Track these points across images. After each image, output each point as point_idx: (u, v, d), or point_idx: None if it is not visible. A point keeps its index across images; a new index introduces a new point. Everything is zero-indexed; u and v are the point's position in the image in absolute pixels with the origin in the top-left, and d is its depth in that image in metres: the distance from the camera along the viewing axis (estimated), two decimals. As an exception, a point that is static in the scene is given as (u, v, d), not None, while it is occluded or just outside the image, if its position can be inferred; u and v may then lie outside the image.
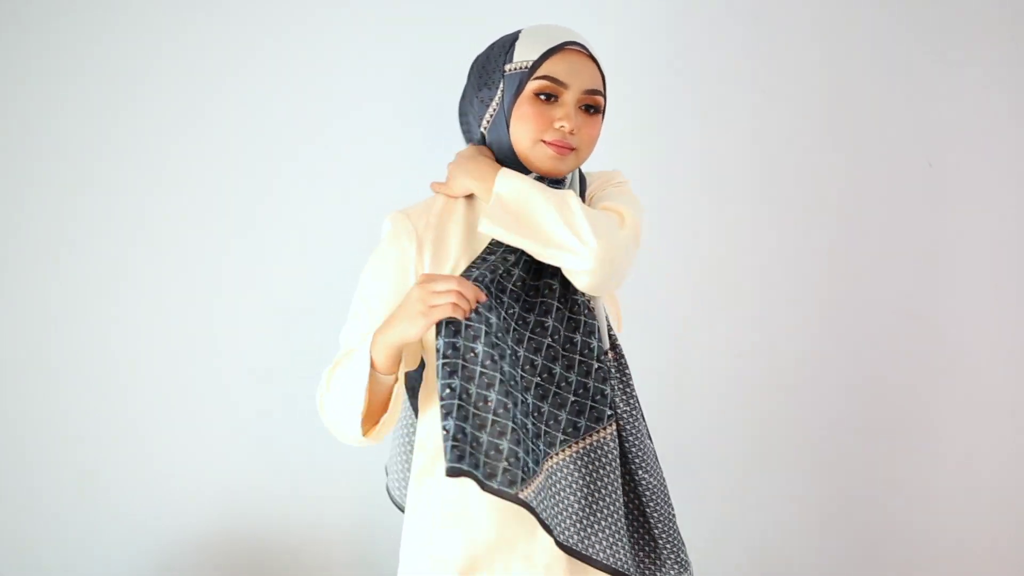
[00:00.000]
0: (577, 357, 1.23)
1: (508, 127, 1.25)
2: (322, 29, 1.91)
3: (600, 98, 1.25)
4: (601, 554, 1.21)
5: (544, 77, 1.21)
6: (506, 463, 1.13)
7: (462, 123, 1.36)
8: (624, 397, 1.28)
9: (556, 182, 1.26)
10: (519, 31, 1.27)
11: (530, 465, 1.15)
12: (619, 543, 1.22)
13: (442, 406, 1.13)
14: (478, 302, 1.13)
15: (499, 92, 1.25)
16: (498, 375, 1.14)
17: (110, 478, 1.91)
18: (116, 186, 1.89)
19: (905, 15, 2.01)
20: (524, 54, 1.23)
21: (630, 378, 1.30)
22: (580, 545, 1.20)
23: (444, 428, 1.12)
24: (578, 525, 1.21)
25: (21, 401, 1.88)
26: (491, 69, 1.27)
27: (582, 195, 1.32)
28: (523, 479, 1.14)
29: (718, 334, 2.04)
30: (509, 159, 1.27)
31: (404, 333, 1.14)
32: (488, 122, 1.28)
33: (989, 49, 2.02)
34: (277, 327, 1.94)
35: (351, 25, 1.91)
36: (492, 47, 1.30)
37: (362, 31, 1.92)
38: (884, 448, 2.07)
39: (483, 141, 1.31)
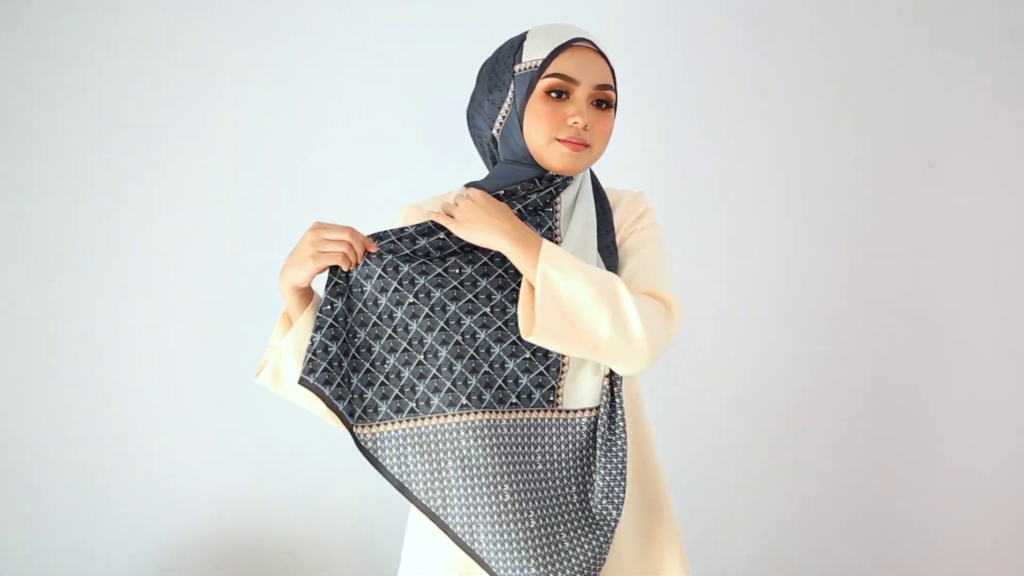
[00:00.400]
0: (510, 333, 1.21)
1: (521, 127, 1.25)
2: (321, 30, 1.91)
3: (611, 92, 1.25)
4: (458, 527, 1.20)
5: (554, 75, 1.22)
6: (354, 396, 1.21)
7: (471, 127, 1.36)
8: (609, 435, 1.22)
9: (568, 179, 1.27)
10: (526, 32, 1.28)
11: (380, 408, 1.21)
12: (479, 525, 1.19)
13: (318, 318, 1.20)
14: (369, 252, 1.21)
15: (510, 93, 1.25)
16: (374, 317, 1.21)
17: (110, 478, 1.91)
18: (117, 187, 1.89)
19: (905, 15, 2.01)
20: (533, 53, 1.24)
21: (618, 419, 1.22)
22: (438, 512, 1.21)
23: (311, 339, 1.20)
24: (443, 493, 1.21)
25: (21, 401, 1.88)
26: (500, 71, 1.27)
27: (604, 209, 1.31)
28: (361, 417, 1.21)
29: (715, 334, 2.04)
30: (523, 159, 1.27)
31: (294, 277, 1.21)
32: (500, 124, 1.28)
33: (989, 49, 2.02)
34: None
35: (351, 25, 1.91)
36: (500, 50, 1.30)
37: (362, 31, 1.92)
38: (884, 448, 2.07)
39: (494, 143, 1.31)
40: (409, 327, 1.21)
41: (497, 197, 1.25)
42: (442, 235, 1.22)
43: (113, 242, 1.89)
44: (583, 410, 1.23)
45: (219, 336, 1.92)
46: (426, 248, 1.21)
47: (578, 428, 1.22)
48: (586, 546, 1.19)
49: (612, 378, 1.22)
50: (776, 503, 2.06)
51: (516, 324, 1.21)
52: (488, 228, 1.18)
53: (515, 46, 1.27)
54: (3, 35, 1.84)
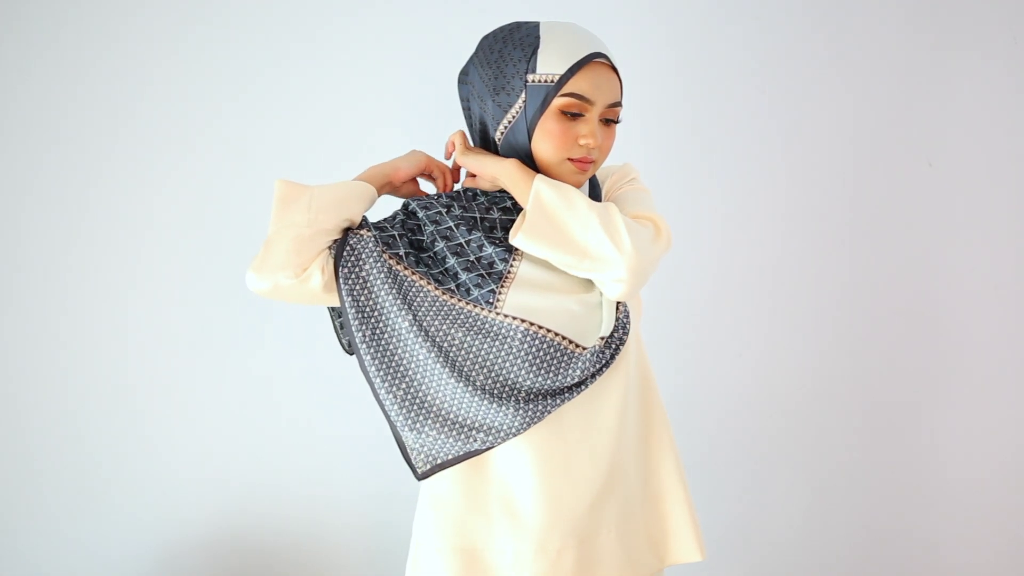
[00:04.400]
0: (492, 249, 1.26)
1: (530, 138, 1.24)
2: (320, 30, 1.91)
3: (619, 109, 1.25)
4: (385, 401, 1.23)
5: (571, 94, 1.20)
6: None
7: (461, 98, 1.34)
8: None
9: None
10: (539, 31, 1.24)
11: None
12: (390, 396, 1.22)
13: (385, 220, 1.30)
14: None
15: (520, 101, 1.23)
16: (430, 253, 1.29)
17: (111, 478, 1.91)
18: (119, 187, 1.89)
19: (905, 15, 2.01)
20: (549, 66, 1.21)
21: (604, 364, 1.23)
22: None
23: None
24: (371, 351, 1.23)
25: (21, 401, 1.89)
26: (510, 74, 1.24)
27: (595, 192, 1.32)
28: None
29: (715, 333, 2.04)
30: (525, 164, 1.26)
31: (401, 164, 1.31)
32: (506, 128, 1.26)
33: (989, 49, 2.02)
34: (280, 328, 1.94)
35: (348, 24, 1.92)
36: (507, 41, 1.26)
37: (360, 30, 1.92)
38: (882, 448, 2.07)
39: (492, 144, 1.30)
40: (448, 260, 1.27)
41: (485, 194, 1.29)
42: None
43: (114, 242, 1.90)
44: (519, 319, 1.22)
45: (220, 336, 1.92)
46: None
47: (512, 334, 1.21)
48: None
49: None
50: (775, 502, 2.06)
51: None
52: (493, 162, 1.26)
53: (528, 49, 1.23)
54: (6, 36, 1.84)
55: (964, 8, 2.01)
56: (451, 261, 1.24)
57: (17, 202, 1.87)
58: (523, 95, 1.23)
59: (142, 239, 1.91)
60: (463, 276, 1.24)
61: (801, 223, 2.03)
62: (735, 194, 2.02)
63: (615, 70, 1.24)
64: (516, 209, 1.28)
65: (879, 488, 2.08)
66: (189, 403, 1.93)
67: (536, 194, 1.19)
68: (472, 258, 1.24)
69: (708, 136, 2.00)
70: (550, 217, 1.18)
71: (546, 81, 1.21)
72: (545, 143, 1.23)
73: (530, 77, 1.22)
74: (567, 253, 1.18)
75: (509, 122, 1.25)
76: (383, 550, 1.97)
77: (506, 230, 1.27)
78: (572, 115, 1.22)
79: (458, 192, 1.33)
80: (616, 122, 1.26)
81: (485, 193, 1.30)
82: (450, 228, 1.26)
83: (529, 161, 1.26)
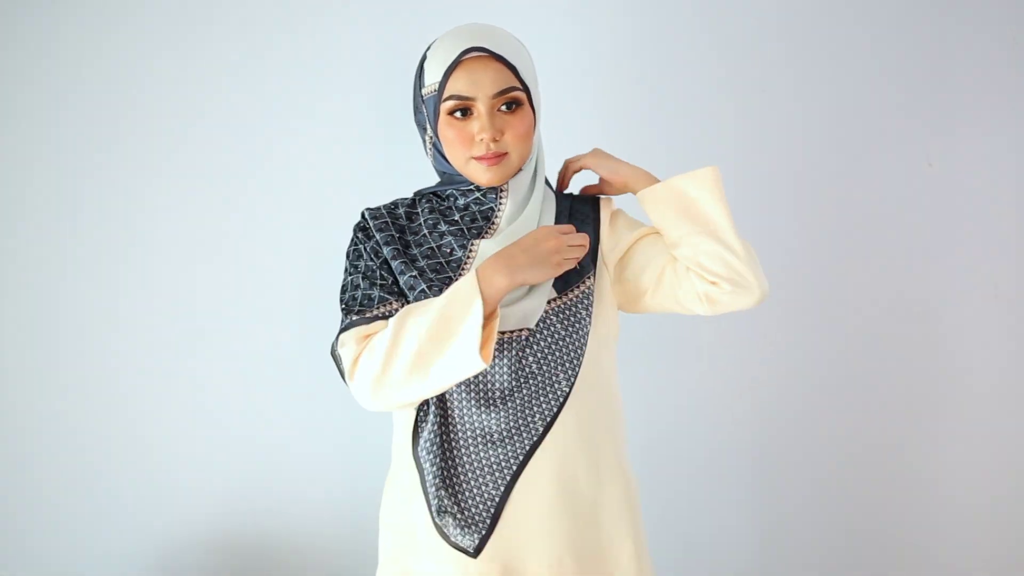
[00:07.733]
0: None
1: (442, 148, 1.26)
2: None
3: (517, 93, 1.22)
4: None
5: (450, 97, 1.21)
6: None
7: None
8: (551, 344, 1.23)
9: (499, 190, 1.27)
10: (431, 44, 1.27)
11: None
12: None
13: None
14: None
15: (424, 117, 1.26)
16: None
17: (110, 478, 1.92)
18: (114, 188, 1.89)
19: (905, 14, 2.01)
20: (431, 76, 1.23)
21: (566, 333, 1.24)
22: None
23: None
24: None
25: (21, 401, 1.89)
26: (415, 94, 1.28)
27: (569, 208, 1.32)
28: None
29: (713, 333, 2.04)
30: (457, 174, 1.28)
31: (531, 277, 1.17)
32: (429, 144, 1.29)
33: (989, 49, 2.02)
34: (277, 327, 1.94)
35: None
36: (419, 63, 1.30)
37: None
38: (880, 449, 2.07)
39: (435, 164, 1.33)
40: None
41: (438, 196, 1.30)
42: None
43: (112, 241, 1.90)
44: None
45: (220, 336, 1.93)
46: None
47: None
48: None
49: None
50: (773, 503, 2.06)
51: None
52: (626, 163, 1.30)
53: (419, 66, 1.27)
54: (3, 34, 1.85)
55: (964, 8, 2.01)
56: (410, 298, 1.25)
57: (11, 202, 1.88)
58: (424, 109, 1.26)
59: (140, 238, 1.91)
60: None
61: (799, 223, 2.03)
62: (733, 194, 2.01)
63: (499, 58, 1.21)
64: (464, 222, 1.27)
65: (878, 490, 2.08)
66: (188, 403, 1.93)
67: (706, 176, 1.28)
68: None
69: (704, 135, 2.00)
70: (678, 198, 1.26)
71: (431, 92, 1.23)
72: (449, 150, 1.24)
73: (423, 92, 1.25)
74: (691, 223, 1.26)
75: (429, 138, 1.28)
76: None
77: (460, 242, 1.26)
78: (462, 114, 1.21)
79: (413, 200, 1.33)
80: (522, 105, 1.23)
81: (440, 198, 1.31)
82: (404, 262, 1.26)
83: (455, 170, 1.27)
